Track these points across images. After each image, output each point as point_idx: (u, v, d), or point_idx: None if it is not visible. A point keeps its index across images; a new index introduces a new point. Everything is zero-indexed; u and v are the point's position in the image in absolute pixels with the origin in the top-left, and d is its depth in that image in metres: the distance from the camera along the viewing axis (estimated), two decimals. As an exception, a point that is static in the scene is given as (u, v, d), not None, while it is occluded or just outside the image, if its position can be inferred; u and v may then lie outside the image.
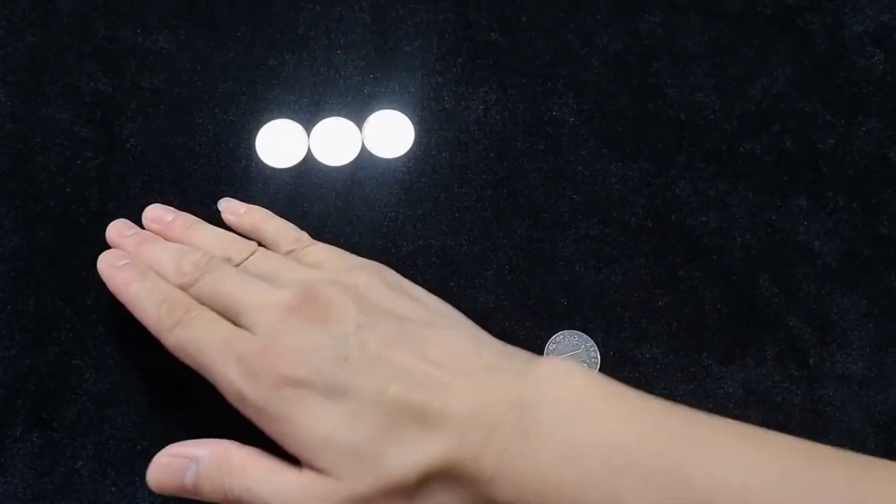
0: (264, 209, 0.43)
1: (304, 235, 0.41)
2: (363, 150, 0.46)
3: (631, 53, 0.48)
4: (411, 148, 0.46)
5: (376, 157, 0.46)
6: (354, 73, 0.48)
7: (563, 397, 0.33)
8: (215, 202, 0.45)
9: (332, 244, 0.44)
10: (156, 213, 0.43)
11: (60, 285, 0.43)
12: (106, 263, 0.40)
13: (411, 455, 0.32)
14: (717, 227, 0.45)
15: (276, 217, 0.42)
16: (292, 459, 0.34)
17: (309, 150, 0.46)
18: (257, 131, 0.46)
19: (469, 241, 0.44)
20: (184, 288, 0.38)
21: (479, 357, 0.35)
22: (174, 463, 0.35)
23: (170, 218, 0.42)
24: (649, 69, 0.48)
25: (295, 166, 0.46)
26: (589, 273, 0.44)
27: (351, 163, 0.46)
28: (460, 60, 0.48)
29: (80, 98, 0.46)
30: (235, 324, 0.36)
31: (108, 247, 0.44)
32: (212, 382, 0.36)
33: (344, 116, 0.47)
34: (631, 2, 0.49)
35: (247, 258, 0.39)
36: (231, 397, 0.35)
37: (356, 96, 0.47)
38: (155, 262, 0.39)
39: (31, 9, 0.48)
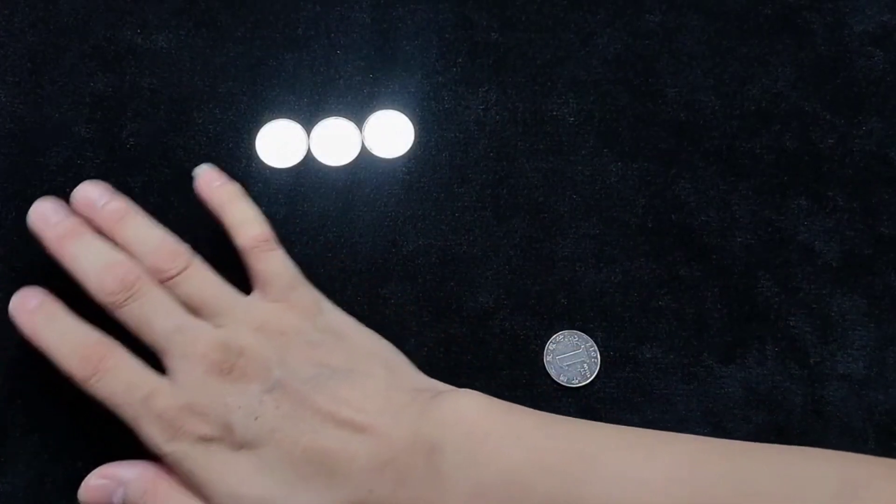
0: (239, 187, 0.41)
1: (269, 234, 0.40)
2: (363, 150, 0.46)
3: (631, 53, 0.48)
4: (411, 148, 0.46)
5: (376, 157, 0.46)
6: (354, 73, 0.48)
7: (466, 435, 0.34)
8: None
9: (333, 244, 0.44)
10: (86, 193, 0.39)
11: (60, 285, 0.43)
12: (16, 307, 0.37)
13: None
14: (718, 226, 0.45)
15: (247, 201, 0.40)
16: None
17: (309, 150, 0.46)
18: (257, 131, 0.46)
19: (469, 241, 0.44)
20: (107, 308, 0.37)
21: (390, 400, 0.35)
22: (103, 485, 0.36)
23: (101, 202, 0.39)
24: (649, 69, 0.48)
25: (295, 166, 0.46)
26: (589, 273, 0.44)
27: (351, 163, 0.46)
28: (460, 60, 0.48)
29: (80, 98, 0.46)
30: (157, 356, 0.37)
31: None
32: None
33: (344, 116, 0.47)
34: (631, 1, 0.49)
35: (177, 274, 0.38)
36: (150, 450, 0.36)
37: (356, 96, 0.47)
38: (76, 268, 0.37)
39: (31, 9, 0.48)
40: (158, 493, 0.36)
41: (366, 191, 0.45)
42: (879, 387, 0.42)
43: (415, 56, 0.48)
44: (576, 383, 0.42)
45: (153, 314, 0.37)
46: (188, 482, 0.35)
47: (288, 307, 0.38)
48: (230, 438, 0.35)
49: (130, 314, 0.37)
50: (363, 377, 0.36)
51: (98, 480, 0.36)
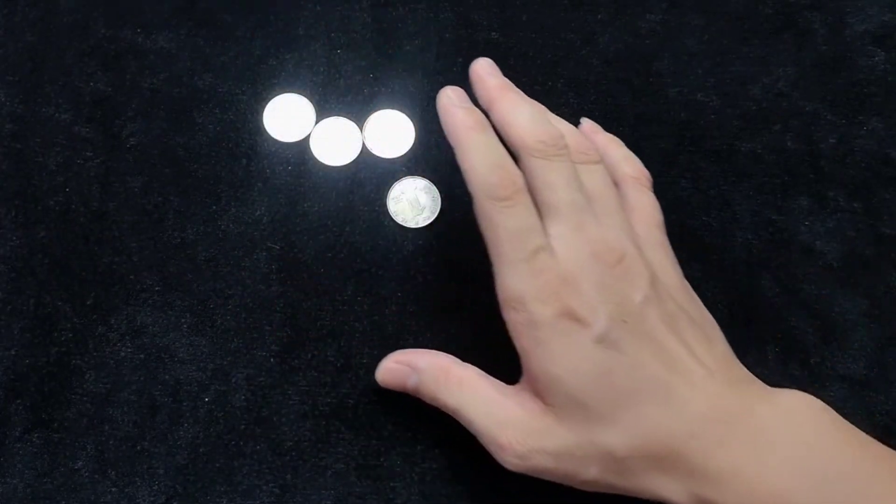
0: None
1: (646, 174, 0.42)
2: (363, 149, 0.46)
3: (631, 52, 0.48)
4: (412, 148, 0.46)
5: (376, 156, 0.46)
6: (355, 72, 0.48)
7: (799, 426, 0.34)
8: (216, 202, 0.44)
9: (333, 244, 0.44)
10: (476, 67, 0.39)
11: (60, 285, 0.43)
12: (447, 97, 0.37)
13: (636, 430, 0.34)
14: (719, 226, 0.45)
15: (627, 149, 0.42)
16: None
17: (309, 149, 0.46)
18: (258, 131, 0.46)
19: (470, 240, 0.44)
20: (526, 155, 0.36)
21: (734, 369, 0.36)
22: (399, 369, 0.39)
23: (486, 77, 0.39)
24: (650, 68, 0.48)
25: (295, 166, 0.46)
26: (589, 273, 0.44)
27: (351, 163, 0.46)
28: (460, 60, 0.48)
29: (80, 98, 0.46)
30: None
31: (106, 247, 0.44)
32: (494, 266, 0.36)
33: (344, 116, 0.47)
34: (631, 1, 0.49)
35: (585, 162, 0.38)
36: (506, 295, 0.36)
37: (356, 96, 0.47)
38: (507, 113, 0.37)
39: (31, 9, 0.48)
40: (451, 379, 0.37)
41: (366, 191, 0.45)
42: (880, 387, 0.42)
43: (415, 56, 0.48)
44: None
45: (564, 183, 0.36)
46: (528, 349, 0.35)
47: (659, 241, 0.39)
48: (597, 329, 0.34)
49: (542, 170, 0.36)
50: (713, 337, 0.37)
51: (394, 364, 0.39)
